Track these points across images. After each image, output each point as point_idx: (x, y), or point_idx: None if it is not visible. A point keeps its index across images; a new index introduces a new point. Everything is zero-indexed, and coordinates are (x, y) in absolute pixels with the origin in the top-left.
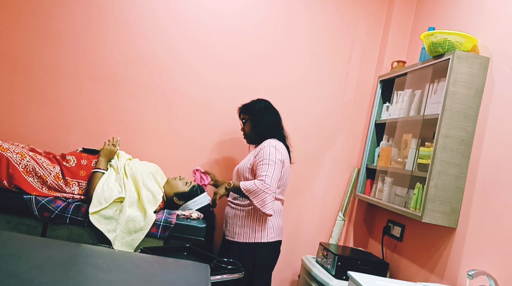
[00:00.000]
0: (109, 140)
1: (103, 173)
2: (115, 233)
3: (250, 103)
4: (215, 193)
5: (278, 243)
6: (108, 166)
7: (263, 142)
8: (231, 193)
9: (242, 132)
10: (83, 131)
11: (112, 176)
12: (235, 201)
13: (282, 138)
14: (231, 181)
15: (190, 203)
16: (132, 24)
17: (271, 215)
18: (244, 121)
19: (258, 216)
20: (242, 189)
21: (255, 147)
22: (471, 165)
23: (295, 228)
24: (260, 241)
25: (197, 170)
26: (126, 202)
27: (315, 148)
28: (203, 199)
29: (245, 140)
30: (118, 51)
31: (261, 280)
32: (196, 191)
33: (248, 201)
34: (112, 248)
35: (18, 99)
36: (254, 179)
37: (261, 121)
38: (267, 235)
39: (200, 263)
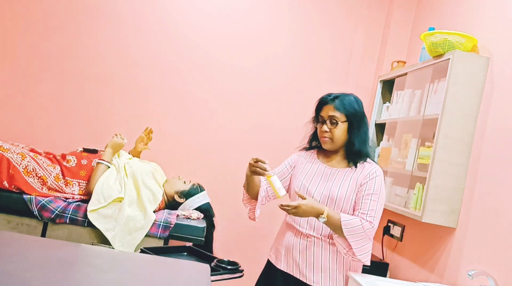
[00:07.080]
0: (116, 134)
1: (108, 166)
2: (114, 232)
3: (346, 96)
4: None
5: None
6: None
7: (372, 169)
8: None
9: (318, 134)
10: (83, 131)
11: (112, 175)
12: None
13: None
14: (324, 208)
15: (191, 200)
16: (133, 24)
17: (368, 266)
18: (333, 121)
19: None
20: (343, 225)
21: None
22: (471, 165)
23: None
24: None
25: None
26: (126, 201)
27: None
28: (203, 197)
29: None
30: (118, 51)
31: None
32: (197, 189)
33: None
34: (112, 248)
35: (18, 99)
36: (354, 212)
37: (362, 129)
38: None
39: (200, 263)
